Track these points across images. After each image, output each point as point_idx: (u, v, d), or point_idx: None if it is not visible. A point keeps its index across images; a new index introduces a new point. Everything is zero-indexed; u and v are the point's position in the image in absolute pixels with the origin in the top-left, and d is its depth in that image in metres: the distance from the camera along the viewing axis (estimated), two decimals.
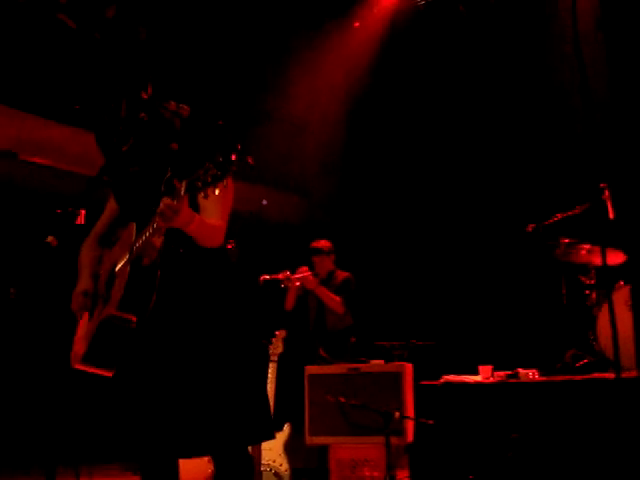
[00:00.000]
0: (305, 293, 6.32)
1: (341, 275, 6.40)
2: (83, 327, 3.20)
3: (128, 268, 2.89)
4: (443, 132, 8.32)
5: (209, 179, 2.56)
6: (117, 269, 3.03)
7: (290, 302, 6.27)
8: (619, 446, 4.44)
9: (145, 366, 2.97)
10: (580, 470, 4.57)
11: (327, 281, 6.33)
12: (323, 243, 6.43)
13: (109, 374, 3.07)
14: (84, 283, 3.24)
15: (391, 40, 8.33)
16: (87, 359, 3.06)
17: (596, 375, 5.29)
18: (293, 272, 6.13)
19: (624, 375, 4.99)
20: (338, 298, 6.17)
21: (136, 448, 2.99)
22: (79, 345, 3.15)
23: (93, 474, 5.70)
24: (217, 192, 2.56)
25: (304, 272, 6.14)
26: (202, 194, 2.57)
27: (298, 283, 6.15)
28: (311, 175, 8.55)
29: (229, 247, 3.50)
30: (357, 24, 8.32)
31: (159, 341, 2.97)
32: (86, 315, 3.21)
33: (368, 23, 8.31)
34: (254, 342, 3.27)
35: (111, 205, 3.34)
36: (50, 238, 2.86)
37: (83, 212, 3.28)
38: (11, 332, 6.49)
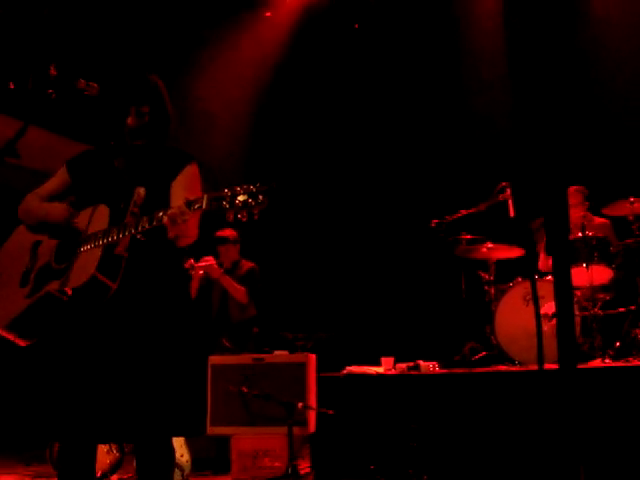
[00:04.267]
0: (209, 283, 6.24)
1: (246, 265, 6.36)
2: (7, 288, 3.06)
3: (99, 253, 2.82)
4: (351, 126, 8.37)
5: (238, 203, 2.55)
6: (82, 248, 2.90)
7: (192, 291, 6.18)
8: (517, 435, 4.58)
9: (91, 348, 2.89)
10: (477, 459, 4.70)
11: (232, 271, 6.28)
12: (228, 232, 6.36)
13: (24, 344, 3.00)
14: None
15: (303, 30, 8.32)
16: (13, 327, 2.96)
17: (493, 368, 5.46)
18: (197, 261, 6.05)
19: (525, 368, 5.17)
20: (242, 288, 6.14)
21: (66, 428, 2.89)
22: (1, 307, 3.03)
23: None
24: (240, 218, 2.57)
25: (208, 261, 6.06)
26: (230, 215, 2.56)
27: (202, 272, 6.06)
28: (217, 164, 8.45)
29: None
30: (269, 14, 8.28)
31: (110, 326, 2.91)
32: (8, 275, 3.09)
33: (280, 12, 8.28)
34: (197, 337, 3.25)
35: (62, 177, 3.21)
36: None
37: None
38: None
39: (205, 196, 2.64)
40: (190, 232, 2.92)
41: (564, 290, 1.75)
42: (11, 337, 2.99)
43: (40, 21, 6.12)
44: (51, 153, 5.12)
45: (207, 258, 6.08)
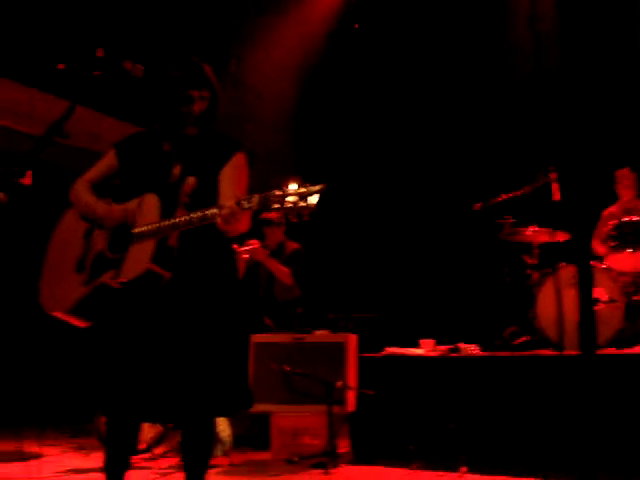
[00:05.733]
0: (255, 264, 6.31)
1: (291, 246, 6.40)
2: (63, 272, 3.15)
3: (153, 245, 2.88)
4: (393, 107, 8.34)
5: (288, 204, 2.57)
6: (136, 240, 2.95)
7: (239, 273, 6.24)
8: (557, 420, 4.57)
9: (142, 330, 2.98)
10: (515, 442, 4.70)
11: (277, 252, 6.33)
12: (274, 214, 6.39)
13: (82, 326, 3.10)
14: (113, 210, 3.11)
15: (349, 10, 8.31)
16: (72, 312, 3.06)
17: (536, 352, 5.43)
18: (242, 244, 6.10)
19: (566, 353, 5.15)
20: (287, 269, 6.19)
21: (116, 404, 3.00)
22: (58, 291, 3.13)
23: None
24: (290, 218, 2.61)
25: (253, 244, 6.11)
26: (280, 215, 2.59)
27: (247, 255, 6.13)
28: (264, 143, 8.50)
29: None
30: None
31: (161, 311, 3.00)
32: (63, 260, 3.17)
33: None
34: (244, 319, 3.32)
35: (110, 160, 3.25)
36: (0, 195, 2.81)
37: (29, 172, 3.22)
38: None
39: (256, 196, 2.67)
40: (241, 228, 2.96)
41: (585, 275, 1.77)
42: (70, 320, 3.10)
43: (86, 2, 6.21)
44: (97, 132, 5.24)
45: (251, 241, 6.13)
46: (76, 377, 3.25)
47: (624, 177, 6.38)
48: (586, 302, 1.78)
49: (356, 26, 8.22)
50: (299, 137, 8.75)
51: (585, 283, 1.79)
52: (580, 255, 1.83)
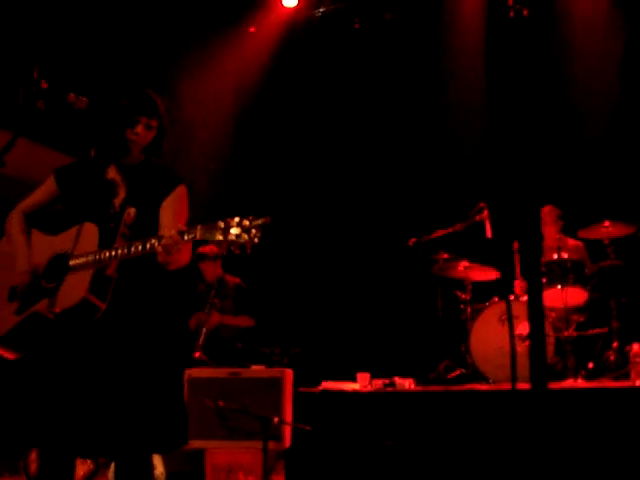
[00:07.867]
0: (201, 294, 6.28)
1: (232, 281, 6.38)
2: None
3: (90, 275, 2.83)
4: (330, 143, 8.42)
5: (231, 237, 2.55)
6: (72, 269, 2.90)
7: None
8: (490, 453, 4.63)
9: (78, 363, 2.91)
10: (451, 476, 4.74)
11: (218, 288, 6.27)
12: (208, 249, 6.34)
13: (12, 357, 3.00)
14: (27, 262, 3.05)
15: (285, 47, 8.39)
16: (2, 342, 2.98)
17: (468, 386, 5.51)
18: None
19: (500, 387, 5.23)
20: (244, 317, 6.22)
21: (48, 438, 2.90)
22: None
23: None
24: (233, 250, 2.59)
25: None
26: (223, 247, 2.57)
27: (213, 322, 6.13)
28: (196, 177, 8.46)
29: None
30: (253, 29, 8.35)
31: (97, 344, 2.93)
32: None
33: (264, 29, 8.35)
34: (181, 355, 3.28)
35: (50, 187, 3.20)
36: None
37: None
38: None
39: (199, 227, 2.65)
40: (182, 260, 2.95)
41: (537, 310, 1.81)
42: (0, 351, 3.01)
43: (28, 31, 6.10)
44: (38, 164, 5.12)
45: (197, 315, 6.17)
46: (4, 411, 3.15)
47: (547, 215, 6.53)
48: (537, 336, 1.82)
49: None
50: (233, 173, 8.75)
51: (536, 316, 1.83)
52: (530, 289, 1.87)
